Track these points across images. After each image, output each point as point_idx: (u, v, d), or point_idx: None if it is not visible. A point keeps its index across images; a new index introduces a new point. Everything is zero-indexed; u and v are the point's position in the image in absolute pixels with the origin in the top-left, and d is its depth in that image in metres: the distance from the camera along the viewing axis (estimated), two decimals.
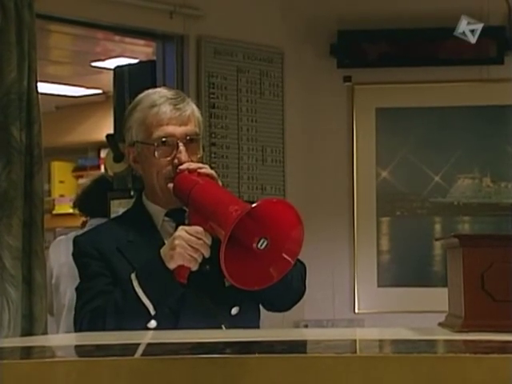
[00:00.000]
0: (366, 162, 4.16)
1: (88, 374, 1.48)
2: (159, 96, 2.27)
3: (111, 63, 5.20)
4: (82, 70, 6.20)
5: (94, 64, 5.95)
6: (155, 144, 2.22)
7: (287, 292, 2.22)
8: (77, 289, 2.24)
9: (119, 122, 3.47)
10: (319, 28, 4.15)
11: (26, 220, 2.48)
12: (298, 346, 1.81)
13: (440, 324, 2.06)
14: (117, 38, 4.81)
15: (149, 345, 1.85)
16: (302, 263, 2.27)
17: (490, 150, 4.12)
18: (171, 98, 2.27)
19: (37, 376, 1.48)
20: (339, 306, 4.12)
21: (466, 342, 1.77)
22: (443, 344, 1.79)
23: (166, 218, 2.28)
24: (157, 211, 2.28)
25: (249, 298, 2.23)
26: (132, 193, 3.37)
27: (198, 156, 2.27)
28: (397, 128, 4.18)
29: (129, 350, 1.75)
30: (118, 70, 4.03)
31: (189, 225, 2.15)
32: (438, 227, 4.17)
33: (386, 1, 4.15)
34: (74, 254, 2.24)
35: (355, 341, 1.95)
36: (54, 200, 6.98)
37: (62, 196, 7.01)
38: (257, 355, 1.53)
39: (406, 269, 4.14)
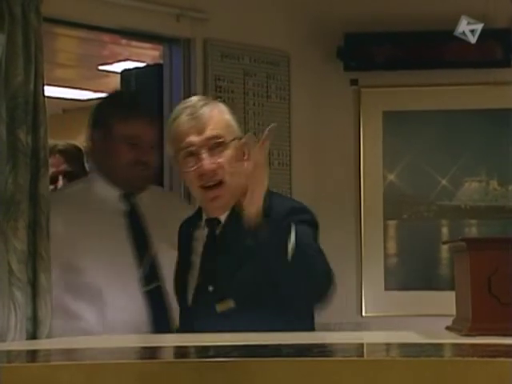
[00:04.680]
0: (373, 165, 4.16)
1: (93, 377, 1.48)
2: (181, 107, 2.37)
3: (118, 67, 5.21)
4: (89, 74, 6.22)
5: (101, 67, 5.96)
6: (181, 156, 2.29)
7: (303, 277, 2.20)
8: None
9: None
10: (326, 31, 4.14)
11: (32, 223, 2.48)
12: (305, 350, 1.81)
13: (447, 328, 2.06)
14: (124, 41, 4.82)
15: (155, 348, 1.85)
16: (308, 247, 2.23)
17: (497, 153, 4.11)
18: (190, 107, 2.32)
19: (43, 379, 1.48)
20: (346, 310, 4.10)
21: (473, 345, 1.76)
22: (450, 348, 1.79)
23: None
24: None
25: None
26: None
27: (226, 157, 2.26)
28: (404, 131, 4.17)
29: (135, 353, 1.74)
30: (125, 74, 4.03)
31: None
32: (444, 230, 4.16)
33: (393, 4, 4.14)
34: None
35: (362, 344, 1.94)
36: None
37: None
38: (264, 359, 1.53)
39: (413, 272, 4.13)
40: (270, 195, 2.24)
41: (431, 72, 4.11)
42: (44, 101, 2.53)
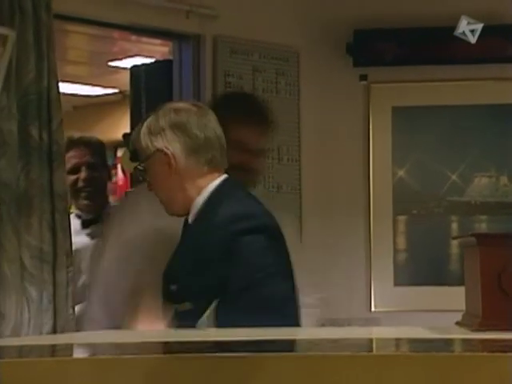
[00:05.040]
0: (382, 160, 4.15)
1: (106, 372, 1.49)
2: None
3: (128, 63, 5.22)
4: (99, 70, 6.23)
5: (110, 64, 5.97)
6: None
7: None
8: None
9: (136, 121, 3.48)
10: (335, 27, 4.14)
11: (48, 219, 2.49)
12: (315, 345, 1.81)
13: (457, 323, 2.06)
14: (133, 37, 4.82)
15: (166, 343, 1.86)
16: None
17: (507, 148, 4.10)
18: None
19: (55, 374, 1.49)
20: (355, 305, 4.11)
21: (482, 341, 1.76)
22: (460, 343, 1.79)
23: None
24: None
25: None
26: None
27: (149, 177, 2.39)
28: (413, 127, 4.16)
29: (146, 348, 1.75)
30: (134, 70, 4.04)
31: None
32: (454, 226, 4.15)
33: (401, 1, 4.13)
34: None
35: (372, 340, 1.95)
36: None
37: None
38: (274, 354, 1.53)
39: (423, 267, 4.12)
40: (218, 202, 2.30)
41: (440, 67, 4.10)
42: (58, 96, 2.54)
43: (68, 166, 3.34)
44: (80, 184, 3.35)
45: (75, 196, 3.39)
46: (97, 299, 2.56)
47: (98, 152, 3.47)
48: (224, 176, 2.37)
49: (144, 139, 2.37)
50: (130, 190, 3.22)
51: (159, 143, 2.34)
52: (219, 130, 2.39)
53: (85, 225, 3.37)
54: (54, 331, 2.42)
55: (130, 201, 2.81)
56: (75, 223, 3.36)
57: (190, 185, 2.31)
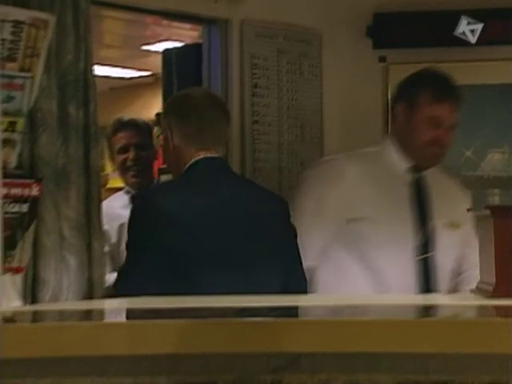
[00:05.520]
0: None
1: (138, 335, 1.49)
2: None
3: (160, 46, 5.22)
4: (133, 53, 6.24)
5: (143, 47, 5.97)
6: None
7: None
8: None
9: None
10: (356, 11, 4.11)
11: (84, 193, 2.50)
12: (338, 311, 1.81)
13: (472, 290, 2.05)
14: (165, 22, 4.82)
15: (196, 309, 1.86)
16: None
17: None
18: None
19: (92, 337, 1.50)
20: None
21: (497, 307, 1.76)
22: (476, 309, 1.78)
23: None
24: None
25: None
26: None
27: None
28: None
29: (177, 313, 1.76)
30: (166, 53, 4.03)
31: None
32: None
33: None
34: None
35: (391, 306, 1.94)
36: (107, 175, 7.03)
37: (114, 171, 7.05)
38: (299, 319, 1.53)
39: None
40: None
41: (457, 49, 4.04)
42: (93, 79, 2.55)
43: (117, 146, 3.43)
44: (128, 163, 3.43)
45: (124, 173, 3.47)
46: None
47: (145, 133, 3.54)
48: (201, 155, 2.50)
49: (161, 119, 2.64)
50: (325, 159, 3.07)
51: (165, 123, 2.55)
52: (216, 122, 2.52)
53: (133, 200, 3.42)
54: (90, 297, 2.45)
55: (328, 169, 2.79)
56: (124, 198, 3.44)
57: (181, 160, 2.52)
